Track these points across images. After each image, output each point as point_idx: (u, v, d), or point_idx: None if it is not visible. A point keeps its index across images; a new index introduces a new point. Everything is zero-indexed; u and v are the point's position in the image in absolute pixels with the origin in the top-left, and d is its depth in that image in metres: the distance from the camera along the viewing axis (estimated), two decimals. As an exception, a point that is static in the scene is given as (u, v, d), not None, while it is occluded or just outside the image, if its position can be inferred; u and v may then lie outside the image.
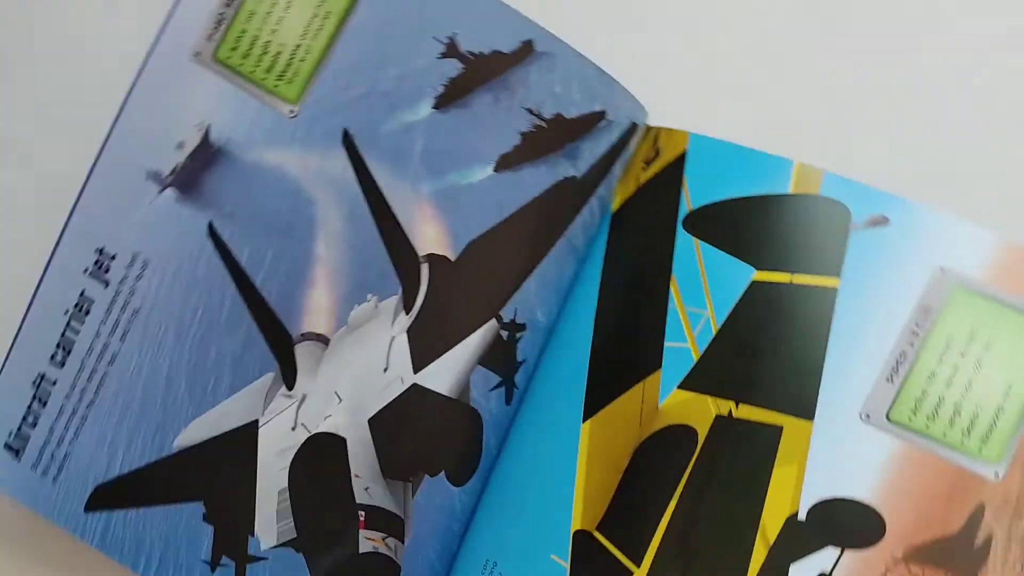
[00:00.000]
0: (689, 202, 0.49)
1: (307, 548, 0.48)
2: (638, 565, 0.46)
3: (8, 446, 0.48)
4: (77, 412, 0.48)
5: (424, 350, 0.48)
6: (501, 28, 0.48)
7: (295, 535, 0.48)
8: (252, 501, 0.48)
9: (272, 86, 0.47)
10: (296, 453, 0.48)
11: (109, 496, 0.48)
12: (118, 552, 0.48)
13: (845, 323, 0.46)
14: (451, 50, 0.48)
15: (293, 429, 0.48)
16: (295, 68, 0.47)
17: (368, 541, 0.48)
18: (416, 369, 0.48)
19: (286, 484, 0.48)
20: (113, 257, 0.48)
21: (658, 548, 0.46)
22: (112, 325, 0.48)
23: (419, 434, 0.48)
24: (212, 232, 0.48)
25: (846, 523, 0.45)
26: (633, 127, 0.50)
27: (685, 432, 0.47)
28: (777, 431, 0.46)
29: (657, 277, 0.49)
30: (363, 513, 0.48)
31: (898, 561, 0.44)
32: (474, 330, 0.49)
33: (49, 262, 0.48)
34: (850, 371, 0.46)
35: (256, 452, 0.48)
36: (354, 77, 0.47)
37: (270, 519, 0.48)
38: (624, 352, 0.49)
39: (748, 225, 0.48)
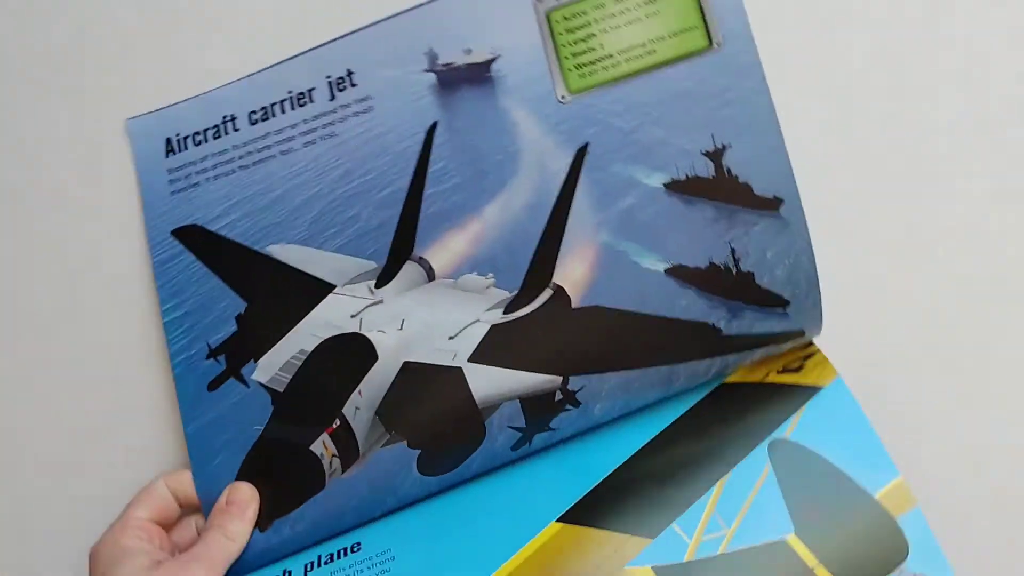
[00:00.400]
0: (791, 430, 0.47)
1: (278, 406, 0.50)
2: None
3: (168, 141, 0.53)
4: (230, 164, 0.52)
5: (491, 350, 0.49)
6: (770, 172, 0.47)
7: (281, 390, 0.50)
8: (277, 339, 0.50)
9: (567, 68, 0.49)
10: (337, 336, 0.50)
11: (195, 238, 0.52)
12: (162, 281, 0.51)
13: None
14: (716, 155, 0.48)
15: (352, 317, 0.50)
16: (594, 69, 0.49)
17: (321, 445, 0.49)
18: (471, 359, 0.49)
19: (310, 349, 0.50)
20: (354, 85, 0.51)
21: None
22: (308, 129, 0.51)
23: (428, 407, 0.49)
24: (430, 130, 0.50)
25: None
26: (799, 334, 0.49)
27: None
28: None
29: (713, 466, 0.47)
30: (338, 422, 0.49)
31: None
32: (540, 372, 0.49)
33: (306, 52, 0.52)
34: None
35: (312, 307, 0.51)
36: (628, 113, 0.49)
37: (276, 363, 0.50)
38: (637, 498, 0.47)
39: (818, 492, 0.46)
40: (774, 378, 0.49)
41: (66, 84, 0.55)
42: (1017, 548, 0.49)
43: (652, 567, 0.45)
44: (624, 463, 0.48)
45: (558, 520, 0.47)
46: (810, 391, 0.48)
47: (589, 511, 0.47)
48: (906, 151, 0.53)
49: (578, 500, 0.47)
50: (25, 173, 0.55)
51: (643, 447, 0.49)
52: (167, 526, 0.49)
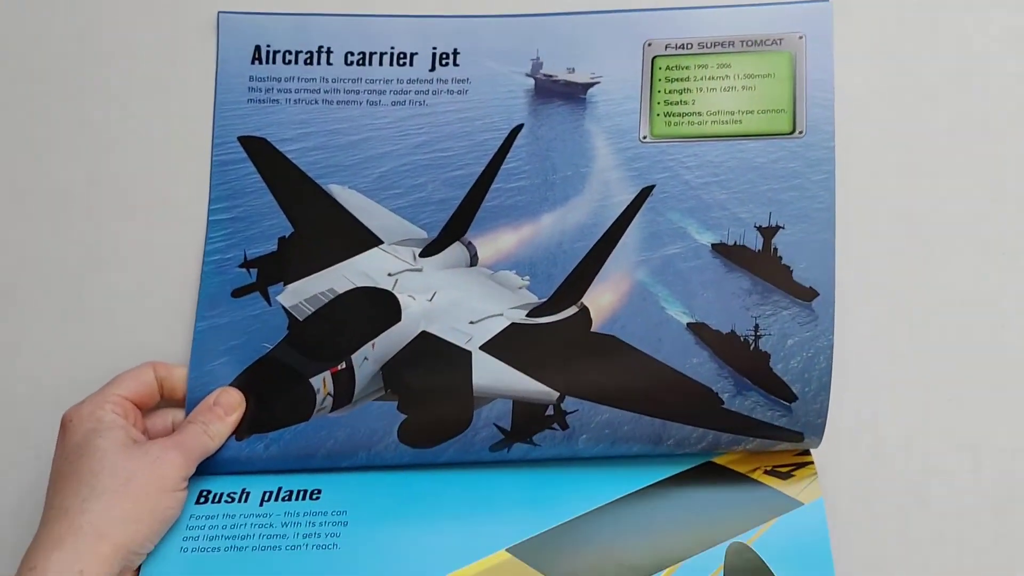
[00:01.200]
0: (756, 538, 0.48)
1: (294, 333, 0.52)
2: None
3: (257, 49, 0.54)
4: (315, 94, 0.53)
5: (503, 345, 0.51)
6: (813, 263, 0.50)
7: (299, 320, 0.52)
8: (313, 271, 0.53)
9: (656, 113, 0.52)
10: (370, 287, 0.52)
11: (261, 151, 0.53)
12: (217, 181, 0.53)
13: None
14: (768, 232, 0.50)
15: (389, 275, 0.52)
16: (681, 121, 0.52)
17: (321, 381, 0.51)
18: (483, 347, 0.51)
19: (340, 291, 0.52)
20: (456, 64, 0.54)
21: None
22: (400, 90, 0.53)
23: (429, 378, 0.51)
24: (515, 130, 0.53)
25: None
26: (798, 437, 0.50)
27: None
28: None
29: (669, 550, 0.48)
30: (343, 365, 0.51)
31: None
32: (541, 381, 0.50)
33: (418, 16, 0.54)
34: None
35: (355, 253, 0.53)
36: (700, 169, 0.51)
37: (304, 292, 0.52)
38: (588, 555, 0.48)
39: None
40: (760, 476, 0.50)
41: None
42: None
43: None
44: (591, 511, 0.49)
45: (508, 549, 0.48)
46: (789, 503, 0.49)
47: (539, 551, 0.48)
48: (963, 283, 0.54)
49: (533, 535, 0.48)
50: (105, 47, 0.55)
51: (615, 501, 0.50)
52: (143, 410, 0.50)
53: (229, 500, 0.49)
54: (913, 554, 0.51)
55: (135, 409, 0.49)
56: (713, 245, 0.50)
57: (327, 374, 0.51)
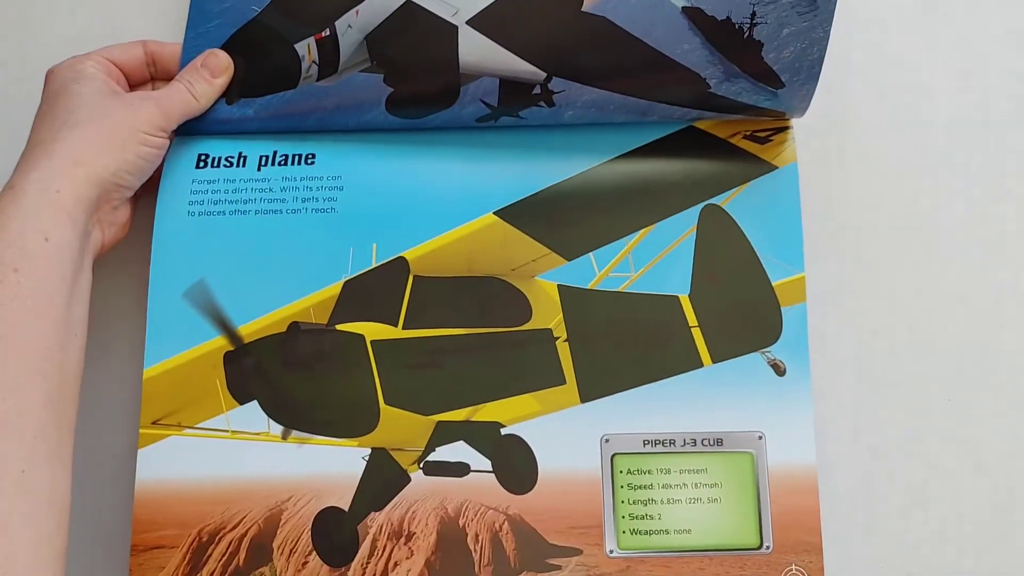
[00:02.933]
0: (728, 200, 0.50)
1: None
2: None
3: None
4: None
5: (490, 21, 0.49)
6: None
7: None
8: None
9: None
10: None
11: None
12: None
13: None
14: None
15: None
16: None
17: (306, 47, 0.50)
18: (470, 22, 0.49)
19: None
20: None
21: None
22: None
23: (414, 52, 0.50)
24: None
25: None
26: (779, 114, 0.50)
27: (517, 302, 0.50)
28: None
29: (645, 213, 0.51)
30: (327, 32, 0.50)
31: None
32: (529, 61, 0.49)
33: None
34: None
35: None
36: None
37: None
38: (570, 218, 0.51)
39: (725, 265, 0.50)
40: (738, 141, 0.51)
41: None
42: (875, 377, 0.53)
43: (558, 284, 0.51)
44: (574, 176, 0.51)
45: (495, 212, 0.51)
46: (764, 167, 0.51)
47: (525, 215, 0.51)
48: None
49: (520, 199, 0.51)
50: None
51: (596, 167, 0.51)
52: (132, 81, 0.51)
53: (228, 164, 0.52)
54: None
55: (120, 73, 0.50)
56: None
57: (311, 40, 0.50)
